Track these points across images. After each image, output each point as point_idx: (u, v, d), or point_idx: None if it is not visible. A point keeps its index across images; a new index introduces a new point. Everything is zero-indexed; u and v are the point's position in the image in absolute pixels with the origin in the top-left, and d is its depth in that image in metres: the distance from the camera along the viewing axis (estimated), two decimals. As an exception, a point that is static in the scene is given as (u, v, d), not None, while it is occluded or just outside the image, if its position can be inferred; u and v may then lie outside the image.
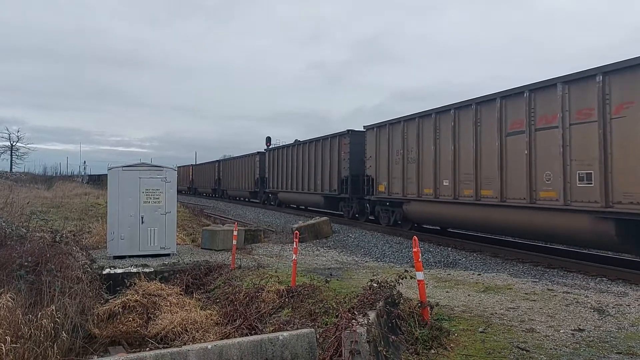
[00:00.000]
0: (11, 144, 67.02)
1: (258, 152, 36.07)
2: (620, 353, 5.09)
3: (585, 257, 12.28)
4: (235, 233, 11.30)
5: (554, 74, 13.19)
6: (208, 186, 51.31)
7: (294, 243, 8.72)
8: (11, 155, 67.22)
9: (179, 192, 60.47)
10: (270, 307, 7.64)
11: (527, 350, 5.16)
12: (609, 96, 9.76)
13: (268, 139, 41.47)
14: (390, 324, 5.62)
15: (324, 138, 24.91)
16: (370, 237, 17.37)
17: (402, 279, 6.47)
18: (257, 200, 36.75)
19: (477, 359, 5.04)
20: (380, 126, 18.93)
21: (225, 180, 45.72)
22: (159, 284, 9.73)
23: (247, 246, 14.53)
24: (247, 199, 41.04)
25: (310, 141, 26.56)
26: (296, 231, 9.60)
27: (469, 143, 13.73)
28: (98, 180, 56.87)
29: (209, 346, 4.11)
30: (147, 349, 7.23)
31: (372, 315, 5.20)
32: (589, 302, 7.22)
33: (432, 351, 5.30)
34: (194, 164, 61.33)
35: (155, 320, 8.57)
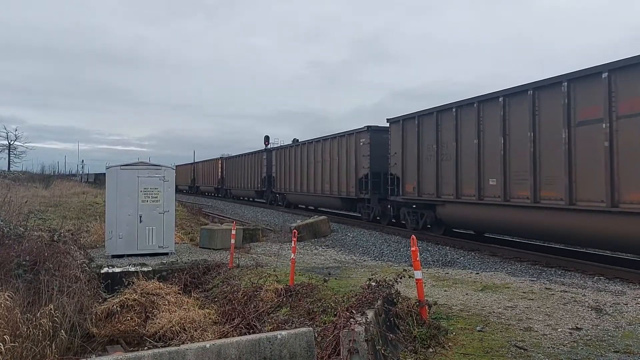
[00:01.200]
0: (9, 143, 66.90)
1: (368, 127, 20.08)
2: (618, 352, 5.11)
3: (583, 256, 12.31)
4: (233, 232, 11.29)
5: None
6: (249, 187, 37.32)
7: (292, 242, 8.71)
8: (9, 154, 67.10)
9: (201, 194, 52.45)
10: (269, 306, 7.64)
11: (525, 349, 5.17)
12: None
13: (267, 138, 41.39)
14: (388, 323, 5.62)
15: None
16: (368, 236, 17.37)
17: (400, 277, 6.48)
18: (358, 214, 21.86)
19: (475, 357, 5.05)
20: None
21: (282, 179, 30.39)
22: (157, 283, 9.73)
23: (246, 245, 14.53)
24: (335, 210, 25.19)
25: (542, 85, 11.22)
26: (294, 230, 9.60)
27: None
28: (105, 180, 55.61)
29: (207, 345, 4.11)
30: (145, 348, 7.25)
31: (370, 314, 5.21)
32: (587, 301, 7.24)
33: (430, 350, 5.31)
34: (225, 156, 45.73)
35: (153, 319, 8.56)
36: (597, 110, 9.95)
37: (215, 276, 10.20)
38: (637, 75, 9.30)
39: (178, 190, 60.72)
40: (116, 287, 9.67)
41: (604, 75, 9.76)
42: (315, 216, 20.27)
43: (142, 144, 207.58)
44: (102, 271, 9.91)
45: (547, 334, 5.68)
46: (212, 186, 47.89)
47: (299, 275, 8.98)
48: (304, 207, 29.52)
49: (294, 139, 30.66)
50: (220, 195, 46.28)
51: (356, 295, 6.16)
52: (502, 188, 12.30)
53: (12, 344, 6.14)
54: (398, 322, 5.80)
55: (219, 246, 13.30)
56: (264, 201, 35.02)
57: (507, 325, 5.99)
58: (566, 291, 8.02)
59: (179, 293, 9.49)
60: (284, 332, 4.53)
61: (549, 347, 5.23)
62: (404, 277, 6.50)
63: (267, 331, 6.22)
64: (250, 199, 39.64)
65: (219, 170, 45.62)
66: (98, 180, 61.55)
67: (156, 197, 12.09)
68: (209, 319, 8.15)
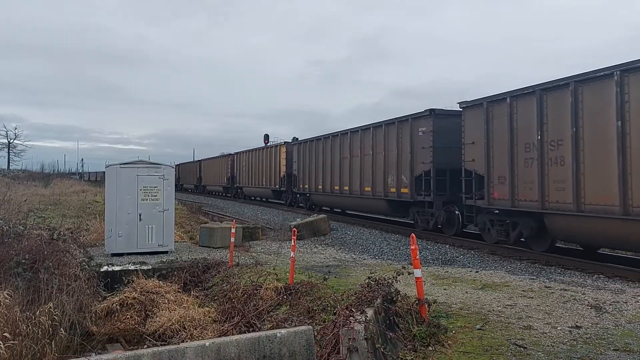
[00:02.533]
0: (8, 142, 66.83)
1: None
2: (617, 350, 5.11)
3: (583, 254, 12.31)
4: (233, 230, 11.29)
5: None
6: (374, 197, 19.12)
7: (292, 240, 8.72)
8: (8, 152, 67.04)
9: (244, 198, 38.16)
10: (268, 304, 7.65)
11: (524, 347, 5.17)
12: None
13: (266, 136, 41.42)
14: (388, 321, 5.63)
15: None
16: (368, 234, 17.38)
17: (400, 276, 6.49)
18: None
19: (475, 355, 5.05)
20: None
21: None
22: (157, 281, 9.72)
23: (245, 244, 14.53)
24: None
25: None
26: (294, 229, 9.60)
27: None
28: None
29: (207, 343, 4.11)
30: (145, 346, 7.24)
31: (369, 312, 5.21)
32: (586, 300, 7.25)
33: (430, 348, 5.31)
34: (297, 140, 29.49)
35: (153, 317, 8.57)
36: None
37: (215, 275, 10.19)
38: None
39: (207, 192, 50.34)
40: (116, 286, 9.66)
41: None
42: (315, 215, 20.27)
43: (142, 142, 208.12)
44: (102, 270, 9.91)
45: (547, 332, 5.69)
46: (269, 187, 31.92)
47: (299, 273, 8.98)
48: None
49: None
50: (286, 201, 30.22)
51: (356, 293, 6.16)
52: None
53: (12, 342, 6.14)
54: (398, 320, 5.80)
55: (218, 245, 13.30)
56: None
57: (506, 324, 6.00)
58: (566, 289, 8.03)
59: (179, 291, 9.49)
60: (283, 331, 4.53)
61: (548, 346, 5.23)
62: (404, 275, 6.50)
63: (267, 329, 6.23)
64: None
65: (282, 164, 29.64)
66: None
67: (156, 196, 12.09)
68: (209, 317, 8.15)
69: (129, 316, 8.72)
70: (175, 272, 10.29)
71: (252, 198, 38.13)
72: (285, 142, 30.78)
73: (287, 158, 29.50)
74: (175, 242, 12.96)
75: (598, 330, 5.76)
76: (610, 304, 6.96)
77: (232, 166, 41.56)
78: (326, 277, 8.35)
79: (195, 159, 60.55)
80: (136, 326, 8.58)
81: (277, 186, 30.75)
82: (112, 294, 9.30)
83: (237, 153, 40.52)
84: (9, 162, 66.11)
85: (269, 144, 33.55)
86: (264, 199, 36.38)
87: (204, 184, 51.39)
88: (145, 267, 10.29)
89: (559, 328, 5.83)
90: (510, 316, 6.35)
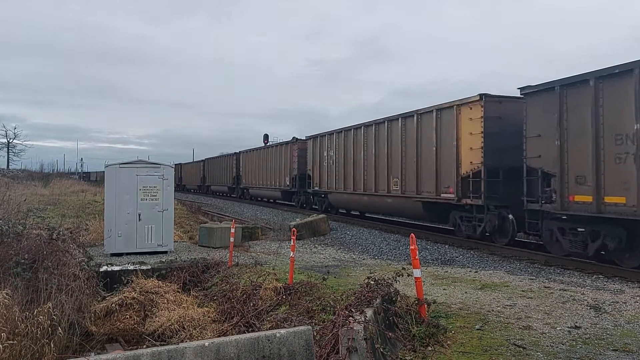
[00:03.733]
0: (8, 141, 66.75)
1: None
2: (617, 350, 5.11)
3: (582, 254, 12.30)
4: (232, 230, 11.28)
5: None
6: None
7: (292, 240, 8.72)
8: (8, 152, 66.97)
9: (326, 211, 23.44)
10: (268, 304, 7.64)
11: (523, 347, 5.17)
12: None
13: (266, 136, 41.45)
14: (387, 321, 5.63)
15: None
16: (367, 234, 17.38)
17: (399, 276, 6.49)
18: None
19: (474, 355, 5.05)
20: None
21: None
22: (156, 281, 9.72)
23: (245, 243, 14.53)
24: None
25: None
26: (294, 228, 9.61)
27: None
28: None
29: (206, 343, 4.10)
30: (144, 346, 7.25)
31: (369, 312, 5.21)
32: (586, 300, 7.25)
33: (429, 348, 5.31)
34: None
35: (152, 317, 8.56)
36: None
37: (215, 274, 10.19)
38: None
39: (249, 197, 36.85)
40: (115, 286, 9.66)
41: None
42: (314, 215, 20.27)
43: (141, 142, 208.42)
44: (101, 269, 9.90)
45: (546, 332, 5.69)
46: (440, 194, 15.29)
47: (298, 273, 8.98)
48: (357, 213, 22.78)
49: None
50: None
51: (355, 293, 6.16)
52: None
53: (11, 342, 6.14)
54: (397, 320, 5.80)
55: (218, 244, 13.29)
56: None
57: (506, 324, 6.00)
58: (565, 290, 8.03)
59: (178, 291, 9.49)
60: (282, 331, 4.52)
61: (547, 346, 5.23)
62: (403, 275, 6.51)
63: (266, 329, 6.22)
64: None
65: (469, 146, 14.03)
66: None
67: (155, 196, 12.08)
68: (208, 317, 8.15)
69: (128, 316, 8.71)
70: (175, 272, 10.29)
71: (363, 213, 23.50)
72: (482, 94, 13.74)
73: (485, 132, 13.58)
74: (174, 241, 12.95)
75: (597, 330, 5.76)
76: (609, 304, 6.97)
77: (299, 160, 27.84)
78: (326, 277, 8.35)
79: (197, 158, 57.97)
80: (135, 326, 8.57)
81: (456, 195, 14.50)
82: (112, 294, 9.30)
83: (310, 137, 26.28)
84: (8, 162, 66.08)
85: (413, 111, 17.01)
86: (394, 217, 21.69)
87: (245, 185, 38.06)
88: (144, 267, 10.28)
89: (558, 328, 5.83)
90: (510, 316, 6.35)
